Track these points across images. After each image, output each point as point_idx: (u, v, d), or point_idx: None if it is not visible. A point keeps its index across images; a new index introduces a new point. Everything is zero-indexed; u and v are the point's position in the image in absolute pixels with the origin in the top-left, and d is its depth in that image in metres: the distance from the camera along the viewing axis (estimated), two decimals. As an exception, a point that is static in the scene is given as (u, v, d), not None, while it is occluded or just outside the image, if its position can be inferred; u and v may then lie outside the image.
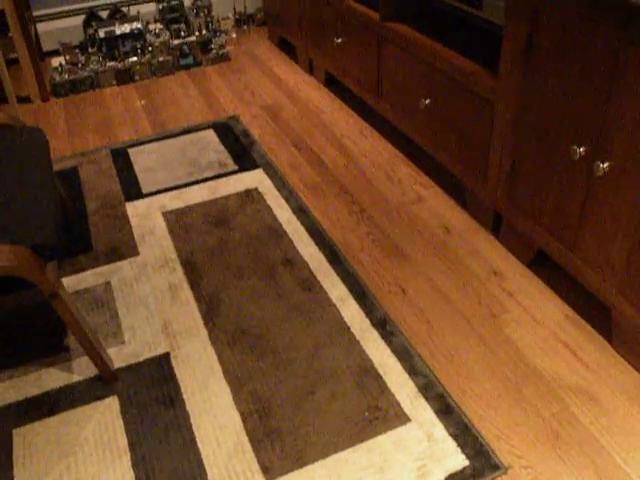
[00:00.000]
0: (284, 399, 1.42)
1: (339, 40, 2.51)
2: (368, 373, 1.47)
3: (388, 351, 1.52)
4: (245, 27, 3.65)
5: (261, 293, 1.71)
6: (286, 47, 3.33)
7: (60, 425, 1.39)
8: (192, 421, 1.38)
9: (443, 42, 1.95)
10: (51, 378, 1.50)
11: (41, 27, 3.25)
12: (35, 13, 3.23)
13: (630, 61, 1.22)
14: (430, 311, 1.64)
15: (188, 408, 1.41)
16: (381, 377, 1.46)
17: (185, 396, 1.44)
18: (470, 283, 1.72)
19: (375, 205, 2.05)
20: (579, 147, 1.39)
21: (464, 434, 1.32)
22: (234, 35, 3.55)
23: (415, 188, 2.12)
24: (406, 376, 1.45)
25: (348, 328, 1.59)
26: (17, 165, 1.55)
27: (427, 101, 2.00)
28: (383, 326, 1.59)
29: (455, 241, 1.87)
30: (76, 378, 1.50)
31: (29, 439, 1.37)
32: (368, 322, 1.60)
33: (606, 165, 1.34)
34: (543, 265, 1.75)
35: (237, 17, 3.62)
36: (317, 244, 1.87)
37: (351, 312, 1.63)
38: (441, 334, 1.57)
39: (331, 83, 2.86)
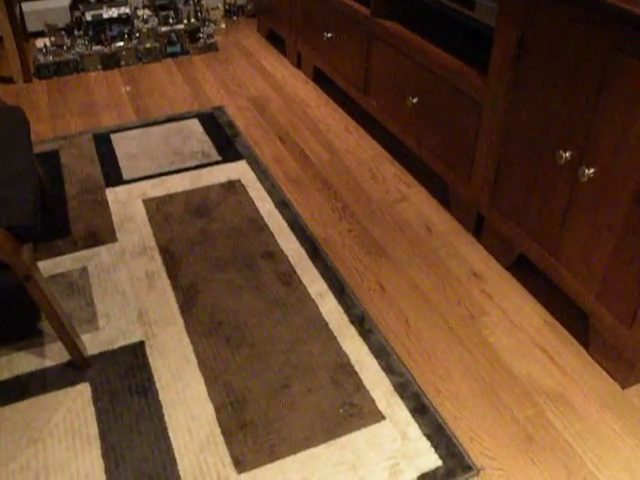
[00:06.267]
0: (259, 392, 1.41)
1: (329, 35, 2.50)
2: (344, 369, 1.46)
3: (365, 348, 1.51)
4: (234, 18, 3.62)
5: (240, 285, 1.70)
6: (275, 40, 3.31)
7: (30, 410, 1.37)
8: (164, 411, 1.37)
9: (433, 41, 1.95)
10: (22, 362, 1.48)
11: (27, 7, 3.20)
12: (21, -8, 3.18)
13: (619, 67, 1.22)
14: (409, 310, 1.64)
15: (161, 398, 1.40)
16: (357, 374, 1.45)
17: (158, 385, 1.42)
18: (450, 284, 1.72)
19: (358, 202, 2.04)
20: (565, 152, 1.39)
21: (438, 434, 1.32)
22: (223, 25, 3.52)
23: (399, 187, 2.11)
24: (382, 374, 1.45)
25: (326, 324, 1.58)
26: (-4, 144, 1.52)
27: (414, 100, 1.99)
28: (361, 323, 1.58)
29: (436, 241, 1.87)
30: (48, 363, 1.48)
31: (-3, 423, 1.34)
32: (346, 318, 1.59)
33: (591, 171, 1.34)
34: (523, 269, 1.75)
35: (227, 7, 3.60)
36: (298, 238, 1.86)
37: (330, 308, 1.62)
38: (419, 333, 1.57)
39: (319, 78, 2.85)
